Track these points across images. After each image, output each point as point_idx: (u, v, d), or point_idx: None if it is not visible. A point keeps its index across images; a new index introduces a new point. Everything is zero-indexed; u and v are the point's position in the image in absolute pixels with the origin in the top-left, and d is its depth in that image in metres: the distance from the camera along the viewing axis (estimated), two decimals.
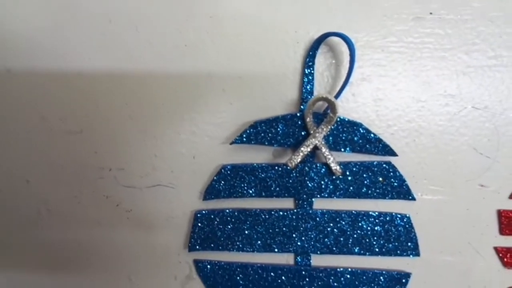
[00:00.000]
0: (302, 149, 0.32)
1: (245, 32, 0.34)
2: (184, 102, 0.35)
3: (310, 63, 0.34)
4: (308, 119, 0.32)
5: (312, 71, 0.34)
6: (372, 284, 0.35)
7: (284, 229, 0.34)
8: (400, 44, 0.34)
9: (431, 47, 0.34)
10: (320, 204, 0.35)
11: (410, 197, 0.34)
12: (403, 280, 0.35)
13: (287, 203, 0.35)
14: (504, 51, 0.34)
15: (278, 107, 0.34)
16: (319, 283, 0.35)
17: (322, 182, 0.34)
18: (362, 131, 0.33)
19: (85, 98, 0.35)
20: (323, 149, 0.32)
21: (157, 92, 0.35)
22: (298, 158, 0.32)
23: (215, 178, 0.34)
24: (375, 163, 0.34)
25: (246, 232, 0.34)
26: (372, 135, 0.33)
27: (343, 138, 0.33)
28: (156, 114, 0.35)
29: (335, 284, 0.35)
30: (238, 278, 0.35)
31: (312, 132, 0.32)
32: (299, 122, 0.33)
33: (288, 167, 0.32)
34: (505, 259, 0.35)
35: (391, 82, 0.35)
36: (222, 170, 0.34)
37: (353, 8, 0.34)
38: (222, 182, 0.34)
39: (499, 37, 0.34)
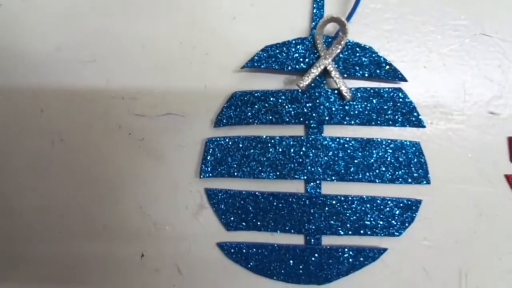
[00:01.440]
0: (312, 70, 0.32)
1: None
2: (195, 32, 0.34)
3: None
4: (318, 41, 0.32)
5: None
6: (382, 211, 0.34)
7: (294, 156, 0.34)
8: None
9: None
10: (331, 131, 0.34)
11: (421, 125, 0.34)
12: (413, 207, 0.34)
13: (298, 130, 0.35)
14: None
15: (290, 35, 0.34)
16: (330, 210, 0.34)
17: (333, 108, 0.33)
18: (372, 54, 0.33)
19: (99, 29, 0.35)
20: (333, 72, 0.32)
21: (169, 23, 0.35)
22: (308, 79, 0.31)
23: (226, 104, 0.34)
24: (385, 89, 0.33)
25: (257, 159, 0.34)
26: (382, 58, 0.33)
27: (353, 62, 0.33)
28: (168, 44, 0.35)
29: (345, 211, 0.34)
30: (248, 206, 0.34)
31: (322, 54, 0.32)
32: (310, 46, 0.33)
33: (299, 88, 0.32)
34: None
35: (400, 12, 0.34)
36: (233, 97, 0.34)
37: None
38: (233, 108, 0.34)
39: None
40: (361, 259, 0.34)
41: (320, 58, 0.32)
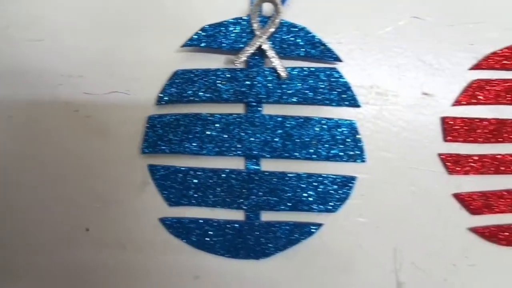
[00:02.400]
0: (247, 48, 0.32)
1: None
2: (139, 12, 0.35)
3: None
4: (254, 21, 0.33)
5: None
6: (319, 187, 0.35)
7: (233, 133, 0.34)
8: None
9: None
10: (269, 109, 0.35)
11: (356, 104, 0.34)
12: (349, 184, 0.35)
13: (238, 108, 0.35)
14: None
15: (229, 15, 0.34)
16: (268, 186, 0.35)
17: (270, 86, 0.34)
18: (307, 34, 0.34)
19: (46, 8, 0.35)
20: (269, 51, 0.33)
21: (115, 2, 0.35)
22: (243, 57, 0.32)
23: (167, 82, 0.34)
24: (321, 68, 0.34)
25: (197, 135, 0.34)
26: (317, 39, 0.34)
27: (289, 42, 0.34)
28: (114, 24, 0.36)
29: (283, 187, 0.35)
30: (190, 182, 0.35)
31: (258, 33, 0.33)
32: (247, 26, 0.33)
33: (234, 65, 0.32)
34: (449, 166, 0.35)
35: (336, 1, 0.35)
36: (175, 75, 0.34)
37: None
38: (174, 86, 0.34)
39: None
40: (297, 234, 0.35)
41: (255, 36, 0.33)
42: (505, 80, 0.34)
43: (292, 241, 0.35)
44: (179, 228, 0.35)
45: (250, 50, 0.32)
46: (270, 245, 0.35)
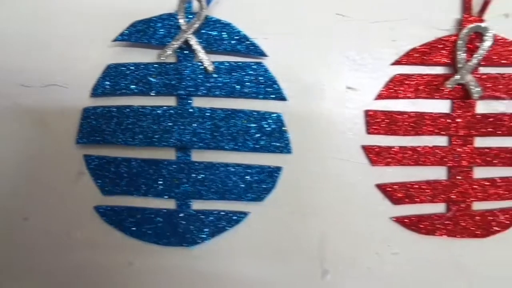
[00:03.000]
0: (173, 42, 0.34)
1: None
2: (77, 8, 0.36)
3: None
4: (180, 16, 0.34)
5: None
6: (246, 177, 0.36)
7: (164, 125, 0.36)
8: None
9: None
10: (200, 102, 0.36)
11: (282, 97, 0.35)
12: (275, 174, 0.36)
13: (170, 101, 0.36)
14: None
15: (159, 12, 0.36)
16: (197, 176, 0.36)
17: (198, 79, 0.35)
18: (232, 30, 0.35)
19: None
20: (195, 46, 0.34)
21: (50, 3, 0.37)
22: (168, 51, 0.33)
23: (101, 76, 0.36)
24: (247, 63, 0.35)
25: (129, 126, 0.35)
26: (242, 34, 0.35)
27: (215, 37, 0.35)
28: (52, 19, 0.36)
29: (211, 176, 0.36)
30: (122, 171, 0.36)
31: (183, 28, 0.34)
32: (175, 22, 0.35)
33: (159, 58, 0.34)
34: (372, 157, 0.36)
35: None
36: (108, 69, 0.36)
37: None
38: (108, 79, 0.35)
39: None
40: (224, 222, 0.36)
41: (181, 31, 0.34)
42: (424, 75, 0.35)
43: (220, 229, 0.36)
44: (112, 216, 0.36)
45: (176, 44, 0.34)
46: (199, 233, 0.36)
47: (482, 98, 0.35)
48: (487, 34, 0.34)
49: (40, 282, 0.38)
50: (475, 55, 0.34)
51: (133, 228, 0.36)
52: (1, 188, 0.37)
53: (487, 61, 0.35)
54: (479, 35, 0.34)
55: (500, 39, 0.35)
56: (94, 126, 0.36)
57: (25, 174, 0.37)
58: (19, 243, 0.37)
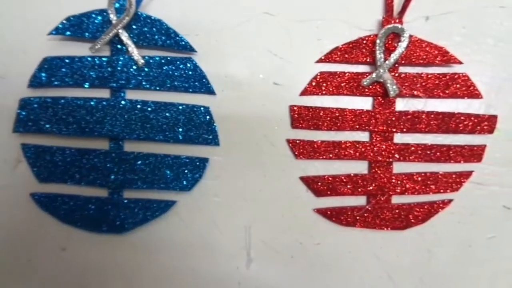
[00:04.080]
0: (103, 36, 0.35)
1: None
2: (14, 3, 0.37)
3: None
4: (110, 12, 0.35)
5: None
6: (174, 167, 0.37)
7: (97, 115, 0.37)
8: None
9: None
10: (132, 95, 0.37)
11: (211, 91, 0.37)
12: (202, 165, 0.37)
13: (104, 93, 0.37)
14: None
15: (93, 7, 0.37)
16: (128, 166, 0.37)
17: (130, 73, 0.36)
18: (162, 26, 0.36)
19: None
20: (125, 40, 0.35)
21: None
22: (98, 44, 0.35)
23: (37, 68, 0.37)
24: (177, 58, 0.36)
25: (63, 117, 0.37)
26: (171, 30, 0.36)
27: (145, 32, 0.36)
28: None
29: (142, 166, 0.37)
30: (57, 160, 0.37)
31: (114, 22, 0.35)
32: (107, 17, 0.36)
33: (91, 51, 0.35)
34: (296, 151, 0.37)
35: None
36: (44, 61, 0.37)
37: None
38: (43, 71, 0.37)
39: None
40: (152, 210, 0.37)
41: (111, 26, 0.35)
42: (346, 73, 0.36)
43: (147, 216, 0.37)
44: (47, 203, 0.37)
45: (105, 38, 0.35)
46: (129, 220, 0.37)
47: (400, 96, 0.36)
48: (403, 35, 0.35)
49: None
50: (392, 55, 0.35)
51: (67, 215, 0.37)
52: None
53: (406, 60, 0.36)
54: (397, 35, 0.35)
55: (418, 40, 0.36)
56: (30, 115, 0.37)
57: None
58: None
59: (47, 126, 0.37)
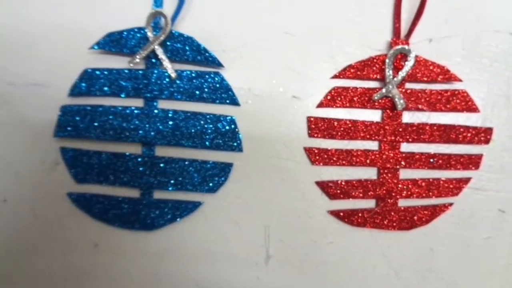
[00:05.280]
0: (141, 52, 0.38)
1: None
2: (59, 16, 0.40)
3: None
4: (148, 30, 0.38)
5: None
6: (201, 171, 0.40)
7: (132, 122, 0.40)
8: None
9: None
10: (164, 104, 0.40)
11: (236, 103, 0.40)
12: (226, 169, 0.40)
13: (138, 103, 0.40)
14: None
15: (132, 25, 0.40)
16: (159, 169, 0.40)
17: (163, 85, 0.40)
18: (193, 43, 0.39)
19: None
20: (160, 55, 0.38)
21: (41, 6, 0.41)
22: (137, 59, 0.38)
23: (78, 78, 0.40)
24: (206, 72, 0.40)
25: (101, 123, 0.40)
26: (202, 47, 0.39)
27: (178, 49, 0.39)
28: (36, 26, 0.41)
29: (172, 170, 0.40)
30: (93, 162, 0.40)
31: (151, 39, 0.38)
32: (144, 34, 0.39)
33: (129, 65, 0.38)
34: (312, 158, 0.40)
35: (222, 11, 0.41)
36: (84, 73, 0.40)
37: None
38: (84, 81, 0.40)
39: None
40: (180, 210, 0.40)
41: (149, 42, 0.38)
42: (358, 88, 0.40)
43: (176, 216, 0.40)
44: (82, 202, 0.40)
45: (143, 53, 0.38)
46: (159, 219, 0.40)
47: (407, 109, 0.40)
48: (410, 55, 0.38)
49: (11, 260, 0.41)
50: (400, 73, 0.39)
51: (101, 213, 0.40)
52: None
53: (411, 78, 0.40)
54: (404, 55, 0.39)
55: (422, 60, 0.40)
56: (70, 121, 0.40)
57: (7, 161, 0.40)
58: None
59: (86, 131, 0.40)
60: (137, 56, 0.38)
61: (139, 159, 0.40)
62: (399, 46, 0.39)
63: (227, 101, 0.40)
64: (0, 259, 0.40)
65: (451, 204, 0.40)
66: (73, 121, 0.40)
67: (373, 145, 0.40)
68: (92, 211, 0.40)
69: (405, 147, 0.40)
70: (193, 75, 0.40)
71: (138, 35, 0.39)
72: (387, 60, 0.39)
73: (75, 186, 0.40)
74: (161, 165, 0.40)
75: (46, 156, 0.41)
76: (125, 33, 0.39)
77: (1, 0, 0.41)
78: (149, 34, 0.38)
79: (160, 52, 0.39)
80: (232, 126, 0.40)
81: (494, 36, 0.41)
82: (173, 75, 0.39)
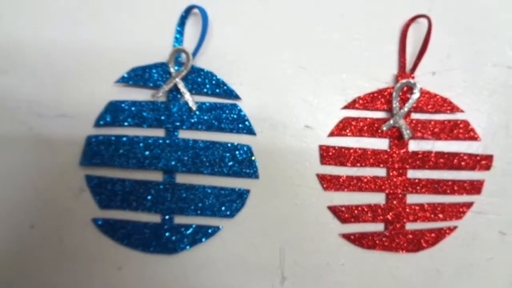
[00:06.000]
0: (164, 86, 0.40)
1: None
2: (86, 51, 0.43)
3: (180, 29, 0.42)
4: (171, 65, 0.41)
5: (182, 32, 0.42)
6: (219, 197, 0.42)
7: (154, 152, 0.42)
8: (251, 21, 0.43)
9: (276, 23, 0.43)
10: (184, 134, 0.42)
11: (252, 132, 0.42)
12: (244, 195, 0.42)
13: (160, 132, 0.42)
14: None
15: (154, 60, 0.42)
16: (180, 195, 0.42)
17: (184, 116, 0.42)
18: (212, 77, 0.42)
19: (8, 42, 0.43)
20: (182, 89, 0.41)
21: (70, 40, 0.43)
22: (160, 92, 0.40)
23: (103, 110, 0.42)
24: (224, 103, 0.42)
25: (125, 152, 0.42)
26: (221, 80, 0.42)
27: (198, 82, 0.42)
28: (65, 62, 0.43)
29: (192, 196, 0.42)
30: (117, 189, 0.42)
31: (173, 74, 0.41)
32: (167, 68, 0.41)
33: (153, 99, 0.40)
34: (325, 184, 0.42)
35: (239, 47, 0.43)
36: (109, 104, 0.42)
37: None
38: (109, 113, 0.42)
39: None
40: (200, 235, 0.41)
41: (171, 77, 0.41)
42: (367, 118, 0.42)
43: (196, 240, 0.42)
44: (106, 227, 0.42)
45: (166, 88, 0.40)
46: (180, 243, 0.42)
47: (413, 138, 0.42)
48: (415, 88, 0.41)
49: (39, 283, 0.43)
50: (406, 104, 0.41)
51: (124, 238, 0.42)
52: (14, 200, 0.42)
53: (417, 109, 0.42)
54: (410, 88, 0.41)
55: (426, 92, 0.42)
56: (95, 151, 0.42)
57: (35, 189, 0.42)
58: (24, 247, 0.42)
59: (110, 160, 0.41)
60: (161, 91, 0.40)
61: (161, 186, 0.42)
62: (405, 80, 0.41)
63: (244, 131, 0.42)
64: (28, 282, 0.42)
65: (455, 227, 0.42)
66: (98, 150, 0.42)
67: (381, 172, 0.43)
68: (116, 236, 0.42)
69: (412, 174, 0.42)
70: (212, 106, 0.42)
71: (160, 69, 0.42)
72: (394, 93, 0.41)
73: (100, 212, 0.42)
74: (182, 191, 0.42)
75: (72, 183, 0.42)
76: (148, 68, 0.42)
77: (33, 38, 0.43)
78: (172, 69, 0.41)
79: (181, 86, 0.41)
80: (249, 154, 0.42)
81: (493, 69, 0.43)
82: (194, 107, 0.41)
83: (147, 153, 0.42)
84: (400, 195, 0.42)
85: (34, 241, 0.42)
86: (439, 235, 0.42)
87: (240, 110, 0.42)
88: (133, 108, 0.42)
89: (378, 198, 0.43)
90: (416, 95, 0.41)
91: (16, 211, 0.42)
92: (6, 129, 0.43)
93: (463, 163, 0.42)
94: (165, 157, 0.42)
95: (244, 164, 0.42)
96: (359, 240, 0.42)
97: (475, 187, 0.42)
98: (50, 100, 0.43)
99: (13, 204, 0.42)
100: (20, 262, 0.42)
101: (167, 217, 0.42)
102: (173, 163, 0.42)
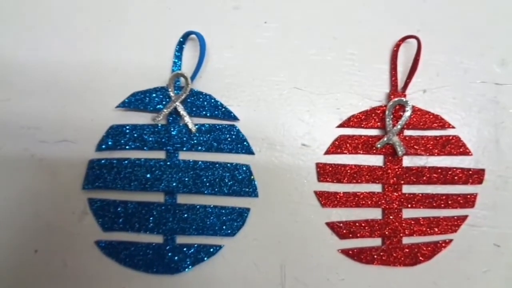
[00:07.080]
0: (164, 110, 0.41)
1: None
2: (85, 78, 0.44)
3: (178, 54, 0.43)
4: (170, 89, 0.41)
5: (180, 57, 0.43)
6: (221, 216, 0.42)
7: (155, 173, 0.42)
8: (247, 44, 0.44)
9: (272, 46, 0.45)
10: (185, 155, 0.43)
11: (250, 152, 0.43)
12: (244, 214, 0.42)
13: (160, 154, 0.43)
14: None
15: (154, 85, 0.43)
16: (181, 216, 0.42)
17: (184, 138, 0.42)
18: (211, 100, 0.42)
19: (10, 70, 0.43)
20: (181, 112, 0.41)
21: (71, 66, 0.44)
22: (161, 116, 0.41)
23: (105, 134, 0.42)
24: (223, 125, 0.43)
25: (126, 175, 0.42)
26: (219, 103, 0.42)
27: (197, 105, 0.42)
28: (66, 88, 0.44)
29: (193, 216, 0.42)
30: (120, 211, 0.42)
31: (173, 98, 0.41)
32: (167, 92, 0.42)
33: (154, 122, 0.41)
34: (322, 201, 0.43)
35: (236, 70, 0.44)
36: (110, 129, 0.42)
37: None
38: (110, 137, 0.42)
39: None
40: (202, 254, 0.42)
41: (171, 101, 0.41)
42: (361, 136, 0.43)
43: (198, 259, 0.42)
44: (110, 249, 0.42)
45: (167, 111, 0.41)
46: (182, 262, 0.42)
47: (406, 154, 0.43)
48: (407, 106, 0.42)
49: None
50: (399, 122, 0.42)
51: (127, 259, 0.42)
52: (18, 225, 0.42)
53: (409, 126, 0.43)
54: (402, 106, 0.43)
55: (418, 110, 0.43)
56: (97, 174, 0.42)
57: (39, 213, 0.42)
58: (29, 272, 0.42)
59: (112, 183, 0.42)
60: (161, 115, 0.41)
61: (163, 207, 0.42)
62: (397, 98, 0.42)
63: (243, 151, 0.43)
64: None
65: (451, 240, 0.43)
66: (100, 173, 0.42)
67: (377, 187, 0.43)
68: (119, 258, 0.42)
69: (407, 189, 0.43)
70: (211, 128, 0.42)
71: (160, 94, 0.42)
72: (387, 111, 0.42)
73: (103, 234, 0.42)
74: (183, 212, 0.42)
75: (75, 207, 0.43)
76: (148, 92, 0.42)
77: (34, 66, 0.44)
78: (171, 93, 0.41)
79: (181, 109, 0.42)
80: (248, 173, 0.43)
81: (481, 86, 0.44)
82: (193, 129, 0.42)
83: (148, 175, 0.42)
84: (396, 210, 0.43)
85: (38, 266, 0.42)
86: (435, 248, 0.43)
87: (238, 131, 0.43)
88: (134, 132, 0.42)
89: (375, 214, 0.43)
90: (408, 112, 0.42)
91: (20, 236, 0.43)
92: (9, 155, 0.43)
93: (456, 178, 0.43)
94: (166, 178, 0.42)
95: (243, 183, 0.43)
96: (357, 255, 0.42)
97: (469, 201, 0.43)
98: (52, 126, 0.43)
99: (17, 229, 0.43)
100: (25, 287, 0.42)
101: (169, 237, 0.42)
102: (174, 184, 0.42)
